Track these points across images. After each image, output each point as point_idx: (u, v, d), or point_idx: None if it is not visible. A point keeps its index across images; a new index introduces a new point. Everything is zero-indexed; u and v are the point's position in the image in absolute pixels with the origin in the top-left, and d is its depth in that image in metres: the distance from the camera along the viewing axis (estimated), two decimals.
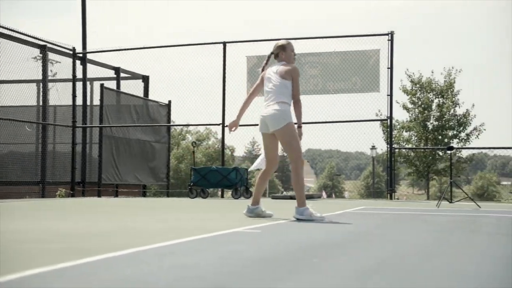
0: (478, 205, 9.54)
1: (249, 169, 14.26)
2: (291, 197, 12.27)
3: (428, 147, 28.19)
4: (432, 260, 3.03)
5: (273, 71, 5.80)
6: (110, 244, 3.47)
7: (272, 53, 5.97)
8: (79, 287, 2.12)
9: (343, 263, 2.84)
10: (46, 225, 5.00)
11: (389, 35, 13.24)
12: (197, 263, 2.74)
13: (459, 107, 29.28)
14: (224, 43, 14.34)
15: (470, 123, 29.03)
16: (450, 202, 10.55)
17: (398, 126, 28.69)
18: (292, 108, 5.73)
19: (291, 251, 3.30)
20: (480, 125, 28.93)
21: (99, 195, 14.41)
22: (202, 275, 2.41)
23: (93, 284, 2.17)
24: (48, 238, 3.83)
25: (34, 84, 15.84)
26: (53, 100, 15.82)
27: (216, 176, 12.73)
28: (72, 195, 14.41)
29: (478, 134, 28.78)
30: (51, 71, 15.52)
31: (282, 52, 5.86)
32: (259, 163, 14.84)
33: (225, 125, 14.08)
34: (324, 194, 36.60)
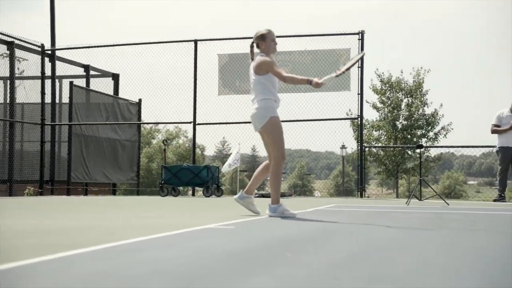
0: (446, 202, 9.70)
1: (223, 170, 14.21)
2: (263, 195, 12.28)
3: (398, 145, 28.51)
4: (404, 252, 3.07)
5: (252, 65, 5.63)
6: (82, 240, 3.43)
7: (253, 42, 5.69)
8: (51, 281, 2.09)
9: (316, 257, 2.85)
10: (21, 222, 4.93)
11: (360, 34, 13.37)
12: (169, 257, 2.72)
13: (428, 106, 29.73)
14: (195, 41, 14.30)
15: (438, 123, 29.49)
16: (420, 200, 10.68)
17: (368, 125, 28.97)
18: (276, 100, 5.53)
19: (265, 246, 3.30)
20: (448, 125, 29.40)
21: (68, 194, 14.24)
22: (175, 268, 2.40)
23: (65, 279, 2.15)
24: (22, 234, 3.77)
25: (1, 82, 15.58)
26: (20, 97, 15.58)
27: (187, 174, 12.67)
28: (41, 194, 14.21)
29: (446, 134, 29.25)
30: (18, 68, 15.29)
31: (262, 42, 5.59)
32: (231, 163, 14.79)
33: (196, 123, 14.02)
34: (293, 192, 36.72)
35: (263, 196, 12.13)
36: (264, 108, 5.46)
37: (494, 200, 11.45)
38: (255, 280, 2.18)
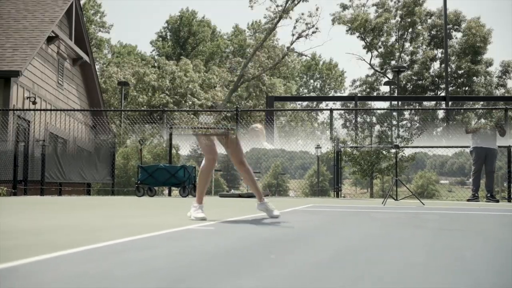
0: (422, 202, 9.80)
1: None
2: (240, 195, 12.30)
3: (374, 145, 28.75)
4: (386, 252, 3.10)
5: None
6: (64, 241, 3.40)
7: None
8: (35, 283, 2.07)
9: (300, 256, 2.87)
10: (3, 222, 4.86)
11: None
12: (155, 257, 2.72)
13: None
14: None
15: None
16: (396, 200, 10.78)
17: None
18: None
19: (247, 247, 3.31)
20: None
21: (42, 194, 14.07)
22: (159, 270, 2.39)
23: (49, 281, 2.13)
24: (8, 234, 3.72)
25: None
26: None
27: (164, 174, 12.61)
28: (14, 194, 14.02)
29: (420, 133, 29.60)
30: None
31: None
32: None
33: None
34: (268, 192, 36.79)
35: (240, 196, 12.14)
36: None
37: (468, 200, 11.62)
38: (240, 281, 2.19)
